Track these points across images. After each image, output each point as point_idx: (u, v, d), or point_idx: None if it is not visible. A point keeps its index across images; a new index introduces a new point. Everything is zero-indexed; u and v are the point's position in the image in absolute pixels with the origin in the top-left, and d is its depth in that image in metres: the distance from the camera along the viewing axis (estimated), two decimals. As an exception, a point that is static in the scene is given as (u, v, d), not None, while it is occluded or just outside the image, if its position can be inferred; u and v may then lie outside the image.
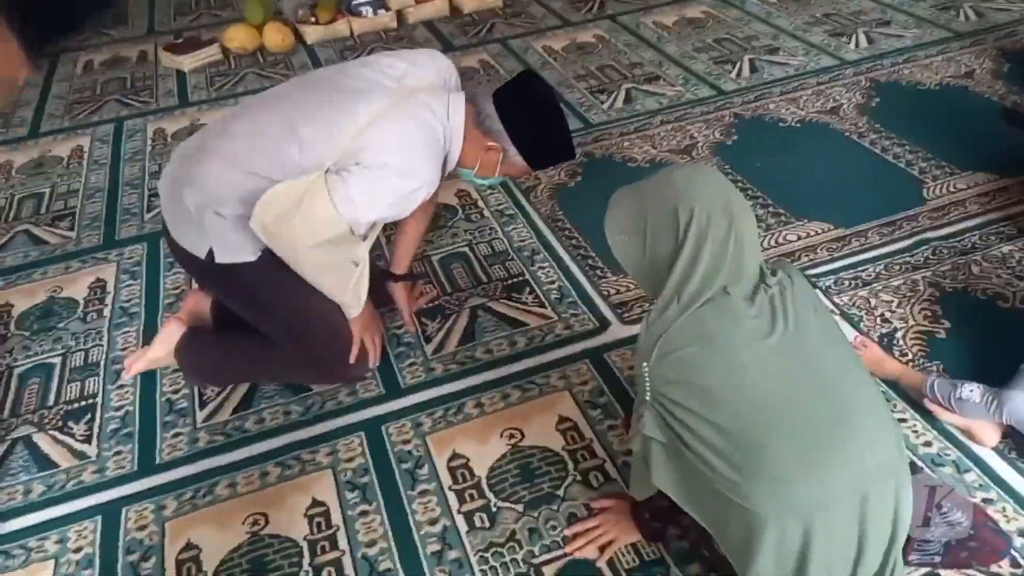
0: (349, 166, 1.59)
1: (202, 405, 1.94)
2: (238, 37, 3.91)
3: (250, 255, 1.72)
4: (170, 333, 1.94)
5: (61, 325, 2.23)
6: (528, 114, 1.73)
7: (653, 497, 1.39)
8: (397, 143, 1.63)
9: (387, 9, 4.18)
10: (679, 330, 1.21)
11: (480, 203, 2.63)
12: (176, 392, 1.97)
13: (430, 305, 2.19)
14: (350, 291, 1.76)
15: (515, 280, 2.27)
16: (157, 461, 1.80)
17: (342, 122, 1.63)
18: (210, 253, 1.74)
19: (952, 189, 2.52)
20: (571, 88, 3.37)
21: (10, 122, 3.44)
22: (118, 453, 1.83)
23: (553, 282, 2.25)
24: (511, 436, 1.79)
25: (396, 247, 2.12)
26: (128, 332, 2.18)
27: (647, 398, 1.24)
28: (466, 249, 2.41)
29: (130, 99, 3.59)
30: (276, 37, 3.91)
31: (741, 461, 1.15)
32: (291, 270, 1.69)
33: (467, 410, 1.87)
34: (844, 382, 1.21)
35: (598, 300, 2.17)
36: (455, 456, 1.75)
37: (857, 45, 3.56)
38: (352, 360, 1.88)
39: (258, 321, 1.87)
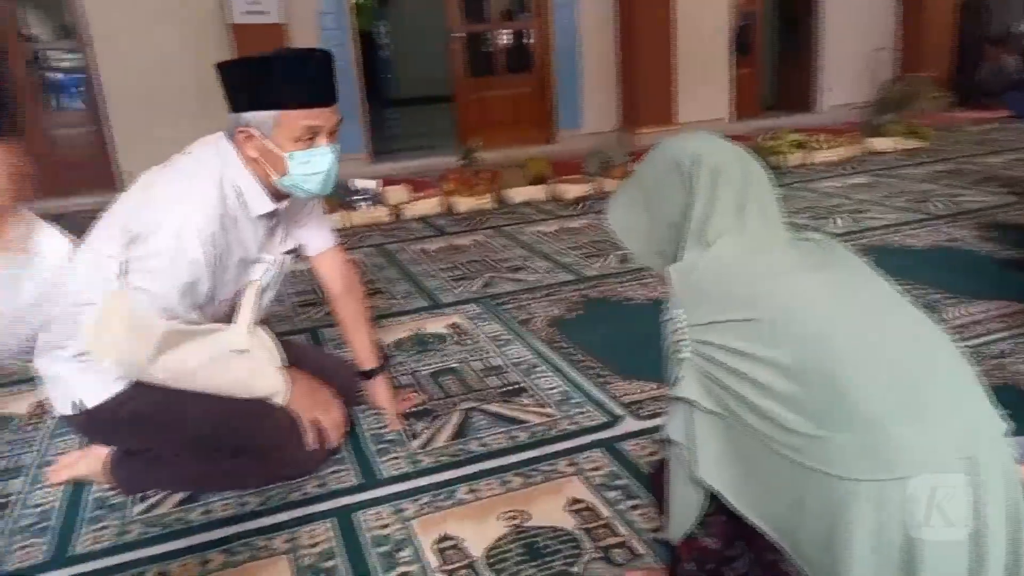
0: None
1: (142, 499, 1.62)
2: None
3: (119, 384, 1.51)
4: (99, 450, 1.67)
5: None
6: (240, 73, 1.49)
7: (697, 538, 1.10)
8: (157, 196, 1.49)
9: (384, 204, 4.33)
10: (715, 260, 1.02)
11: (473, 331, 2.46)
12: (112, 491, 1.66)
13: (416, 408, 1.95)
14: (256, 385, 1.56)
15: (512, 387, 2.04)
16: (70, 553, 1.45)
17: (120, 198, 1.55)
18: (80, 405, 1.53)
19: (969, 312, 2.40)
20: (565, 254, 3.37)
21: None
22: (25, 547, 1.48)
23: (555, 387, 2.02)
24: (512, 518, 1.47)
25: (349, 343, 1.90)
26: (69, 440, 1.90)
27: (686, 355, 1.02)
28: (457, 365, 2.21)
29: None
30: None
31: (819, 405, 0.89)
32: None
33: (460, 495, 1.56)
34: (922, 327, 1.00)
35: (606, 400, 1.93)
36: (444, 538, 1.42)
37: (836, 224, 3.64)
38: (311, 443, 1.62)
39: (181, 446, 1.62)
